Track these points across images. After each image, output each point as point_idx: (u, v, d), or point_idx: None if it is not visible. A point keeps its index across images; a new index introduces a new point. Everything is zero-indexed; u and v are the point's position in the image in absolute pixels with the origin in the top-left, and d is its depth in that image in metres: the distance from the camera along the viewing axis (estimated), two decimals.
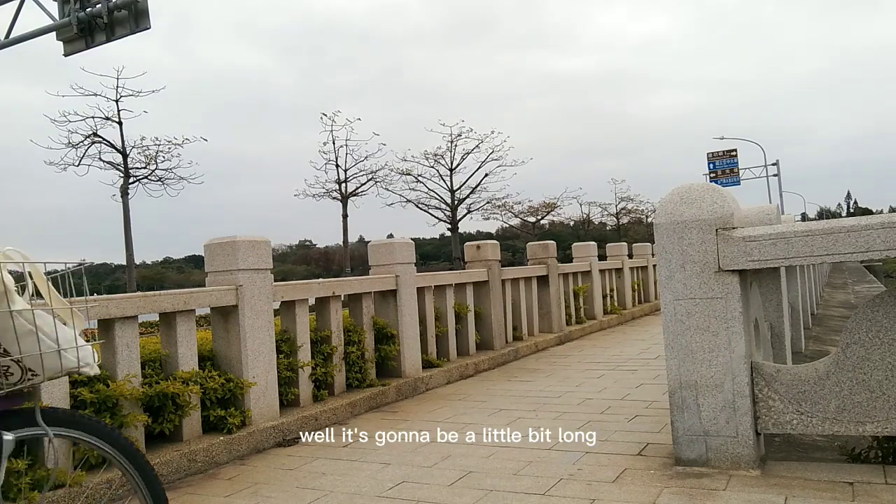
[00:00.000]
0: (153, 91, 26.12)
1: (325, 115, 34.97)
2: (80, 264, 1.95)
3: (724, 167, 47.87)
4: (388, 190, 38.51)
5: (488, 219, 46.91)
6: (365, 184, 36.79)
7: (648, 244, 15.34)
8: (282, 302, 5.36)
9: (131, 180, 26.21)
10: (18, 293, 1.79)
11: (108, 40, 13.14)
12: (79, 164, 25.52)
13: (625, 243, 14.52)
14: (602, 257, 13.01)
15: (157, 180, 27.14)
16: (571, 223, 60.10)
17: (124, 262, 26.84)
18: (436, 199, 39.88)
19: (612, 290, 12.65)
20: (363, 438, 4.74)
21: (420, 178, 39.16)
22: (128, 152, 26.05)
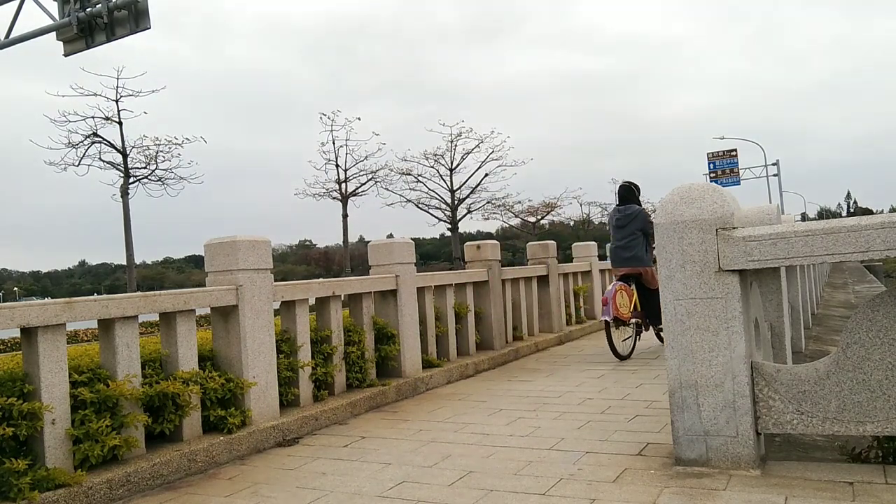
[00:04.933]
0: (153, 91, 26.12)
1: (325, 115, 35.01)
2: None
3: (724, 167, 47.91)
4: (388, 190, 38.60)
5: (488, 219, 46.91)
6: (365, 184, 36.85)
7: None
8: (282, 302, 5.36)
9: (131, 180, 26.19)
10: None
11: (108, 40, 13.14)
12: (79, 164, 25.51)
13: None
14: (602, 257, 13.00)
15: (157, 180, 27.14)
16: (571, 223, 60.14)
17: (124, 262, 26.83)
18: (436, 199, 39.95)
19: None
20: (363, 438, 4.74)
21: (420, 178, 39.23)
22: (128, 152, 26.05)
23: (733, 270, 3.44)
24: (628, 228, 7.77)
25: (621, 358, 7.46)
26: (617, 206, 8.06)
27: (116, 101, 25.26)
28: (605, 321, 7.48)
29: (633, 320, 7.80)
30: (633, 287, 7.82)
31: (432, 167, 39.30)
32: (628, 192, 7.95)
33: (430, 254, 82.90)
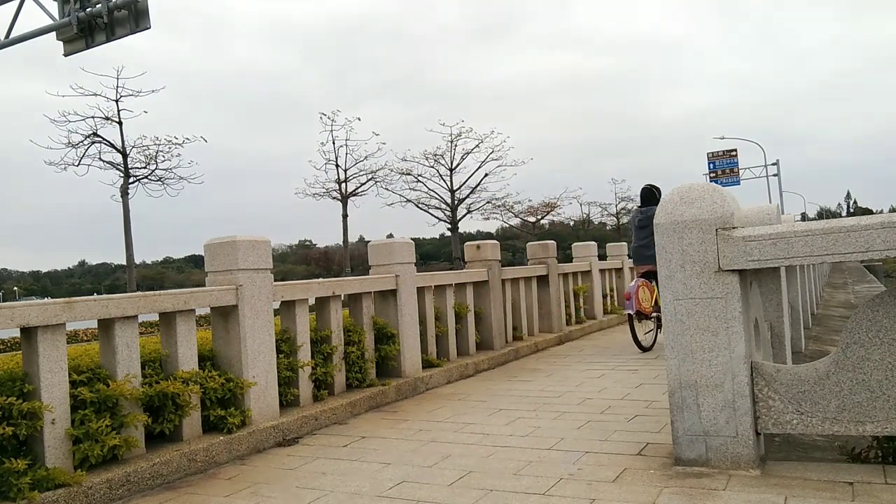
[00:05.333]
0: (153, 91, 26.08)
1: (325, 115, 35.01)
2: None
3: (724, 167, 47.89)
4: (388, 190, 38.61)
5: (488, 219, 46.92)
6: (365, 184, 36.86)
7: None
8: (282, 302, 5.36)
9: (131, 180, 26.17)
10: None
11: (108, 40, 13.14)
12: (79, 164, 25.48)
13: (625, 243, 14.51)
14: (602, 257, 13.01)
15: (157, 180, 27.12)
16: (571, 223, 60.14)
17: (124, 262, 26.79)
18: (436, 199, 39.97)
19: (612, 290, 12.65)
20: (363, 438, 4.74)
21: (420, 178, 39.26)
22: (128, 152, 26.04)
23: (733, 270, 3.44)
24: (649, 228, 8.17)
25: (643, 349, 8.01)
26: (639, 207, 8.55)
27: (116, 101, 25.26)
28: (629, 315, 8.02)
29: (655, 314, 8.20)
30: (654, 283, 8.15)
31: (432, 167, 39.32)
32: (649, 195, 8.42)
33: (430, 254, 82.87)
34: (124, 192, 25.70)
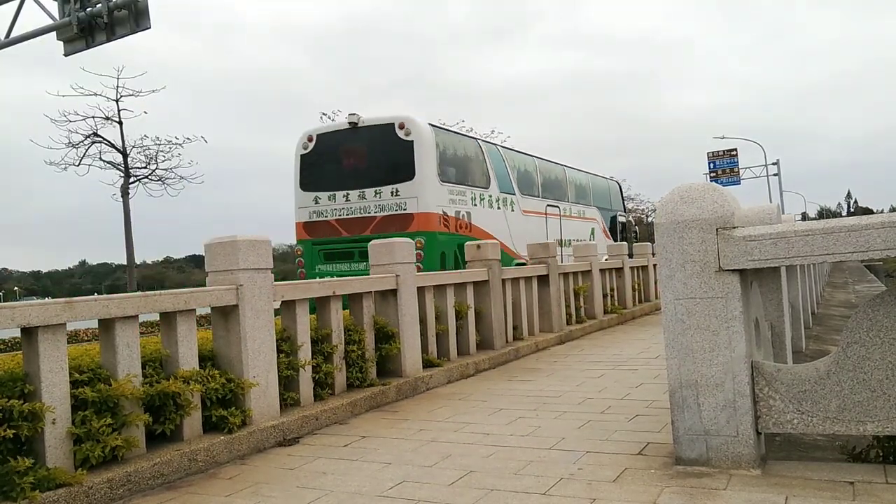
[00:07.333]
0: (153, 91, 26.11)
1: (326, 115, 34.99)
2: None
3: (724, 167, 47.88)
4: None
5: None
6: None
7: (648, 244, 15.35)
8: (282, 302, 5.36)
9: (132, 180, 26.15)
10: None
11: (108, 40, 13.15)
12: (79, 164, 25.45)
13: (625, 243, 14.52)
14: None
15: (158, 180, 27.09)
16: None
17: (125, 262, 26.78)
18: None
19: (612, 290, 12.65)
20: (363, 438, 4.74)
21: None
22: (128, 152, 26.03)
23: (733, 270, 3.44)
24: None
25: None
26: None
27: (116, 101, 25.26)
28: None
29: None
30: None
31: None
32: None
33: None
34: (125, 192, 25.68)
